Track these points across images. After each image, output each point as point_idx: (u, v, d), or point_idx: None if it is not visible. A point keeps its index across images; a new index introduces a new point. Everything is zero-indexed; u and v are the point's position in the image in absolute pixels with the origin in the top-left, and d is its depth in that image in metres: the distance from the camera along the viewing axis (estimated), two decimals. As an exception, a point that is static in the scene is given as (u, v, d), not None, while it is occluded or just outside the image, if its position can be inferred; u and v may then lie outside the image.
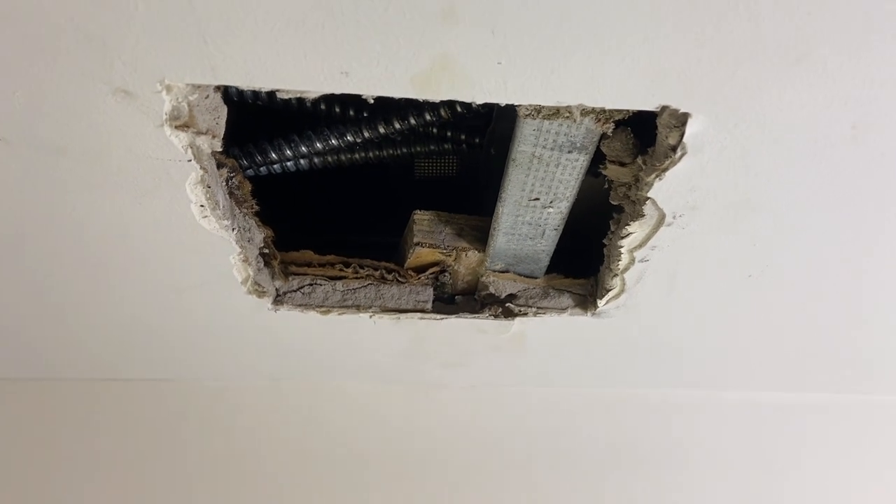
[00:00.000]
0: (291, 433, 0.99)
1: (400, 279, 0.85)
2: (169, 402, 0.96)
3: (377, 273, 0.84)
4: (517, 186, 0.69)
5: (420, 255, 0.82)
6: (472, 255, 0.82)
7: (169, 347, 0.90)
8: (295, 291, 0.85)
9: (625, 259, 0.72)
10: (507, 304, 0.85)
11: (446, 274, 0.85)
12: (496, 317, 0.84)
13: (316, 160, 0.79)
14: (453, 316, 0.85)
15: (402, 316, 0.85)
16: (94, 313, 0.83)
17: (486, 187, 0.83)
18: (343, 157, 0.81)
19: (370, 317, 0.85)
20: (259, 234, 0.75)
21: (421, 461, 0.97)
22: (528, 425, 0.97)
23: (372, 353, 0.93)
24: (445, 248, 0.81)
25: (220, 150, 0.57)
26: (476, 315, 0.85)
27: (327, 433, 0.98)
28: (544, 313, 0.84)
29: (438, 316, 0.85)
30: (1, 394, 0.98)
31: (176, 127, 0.54)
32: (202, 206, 0.64)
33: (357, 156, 0.81)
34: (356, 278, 0.85)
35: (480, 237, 0.81)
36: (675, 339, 0.85)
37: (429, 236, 0.81)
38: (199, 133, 0.55)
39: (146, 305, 0.80)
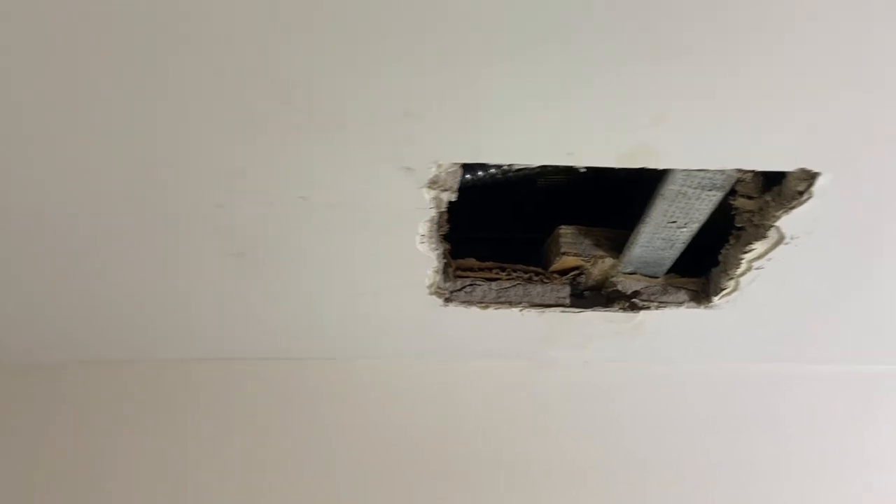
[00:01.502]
0: (438, 401, 1.20)
1: (544, 280, 1.04)
2: (363, 376, 1.18)
3: (526, 275, 1.04)
4: (660, 213, 0.87)
5: (565, 261, 1.00)
6: (607, 261, 1.00)
7: (360, 333, 1.11)
8: (459, 291, 1.04)
9: (743, 267, 0.90)
10: (632, 300, 1.04)
11: (582, 275, 1.04)
12: (624, 310, 1.03)
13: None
14: (588, 309, 1.04)
15: (546, 310, 1.04)
16: (330, 303, 1.02)
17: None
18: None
19: (520, 311, 1.04)
20: (441, 248, 0.95)
21: (551, 428, 1.18)
22: (639, 396, 1.17)
23: (513, 339, 1.13)
24: (586, 256, 0.99)
25: (455, 199, 0.76)
26: (607, 308, 1.04)
27: (471, 404, 1.19)
28: (664, 307, 1.03)
29: (576, 310, 1.04)
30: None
31: (430, 187, 0.72)
32: (423, 236, 0.83)
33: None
34: (508, 279, 1.04)
35: (613, 245, 1.00)
36: (777, 322, 1.03)
37: (572, 247, 0.99)
38: (444, 190, 0.73)
39: (351, 304, 1.00)
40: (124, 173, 0.70)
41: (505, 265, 1.04)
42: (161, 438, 1.16)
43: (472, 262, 1.03)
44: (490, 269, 1.04)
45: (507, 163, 0.69)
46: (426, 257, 0.88)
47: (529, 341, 1.14)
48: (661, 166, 0.69)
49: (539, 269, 1.04)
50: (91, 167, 0.69)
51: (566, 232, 1.00)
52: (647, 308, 1.03)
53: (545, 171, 0.95)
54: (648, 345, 1.13)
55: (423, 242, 0.84)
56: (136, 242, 0.83)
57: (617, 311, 1.04)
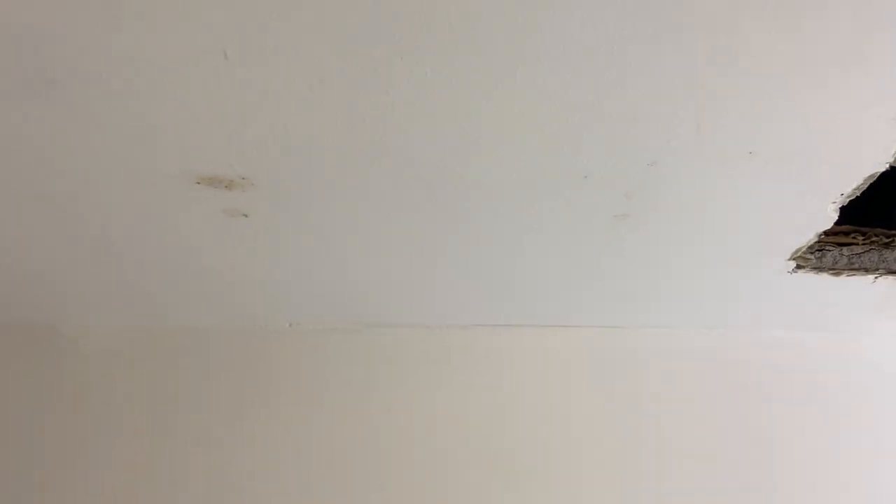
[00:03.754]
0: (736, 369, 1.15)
1: (906, 245, 0.96)
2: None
3: (887, 239, 0.96)
4: None
5: (941, 225, 0.92)
6: None
7: (673, 301, 1.08)
8: (811, 256, 0.98)
9: None
10: None
11: (951, 239, 0.96)
12: None
13: None
14: (958, 277, 0.96)
15: (906, 277, 0.97)
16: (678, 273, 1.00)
17: None
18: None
19: (874, 278, 0.97)
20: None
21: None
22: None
23: (842, 308, 1.06)
24: (968, 219, 0.91)
25: None
26: (981, 276, 0.95)
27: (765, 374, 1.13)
28: None
29: (942, 277, 0.96)
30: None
31: None
32: (843, 195, 0.77)
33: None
34: (864, 244, 0.97)
35: None
36: None
37: (954, 209, 0.91)
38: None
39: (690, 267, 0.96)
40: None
41: (863, 229, 0.97)
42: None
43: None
44: (846, 234, 0.97)
45: None
46: (826, 219, 0.82)
47: (857, 312, 1.07)
48: None
49: (902, 233, 0.97)
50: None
51: (945, 193, 0.92)
52: None
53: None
54: None
55: (834, 202, 0.79)
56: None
57: None
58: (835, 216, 0.82)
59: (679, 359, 1.16)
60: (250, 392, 1.16)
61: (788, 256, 0.92)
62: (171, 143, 0.71)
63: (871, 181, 0.74)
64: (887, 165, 0.71)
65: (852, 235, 0.96)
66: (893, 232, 0.96)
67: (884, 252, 0.97)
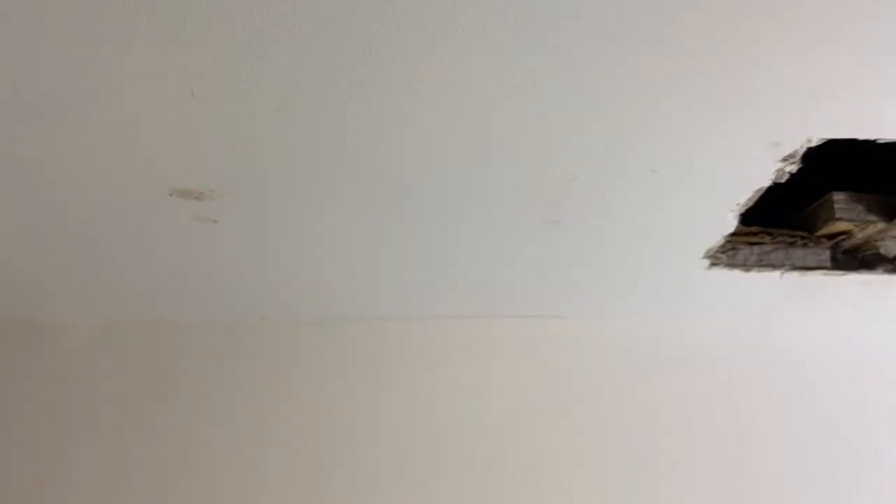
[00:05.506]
0: (676, 356, 1.27)
1: (807, 244, 1.09)
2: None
3: (791, 240, 1.08)
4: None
5: (836, 226, 1.04)
6: (878, 226, 1.04)
7: (609, 293, 1.19)
8: (723, 254, 1.10)
9: None
10: (896, 262, 1.08)
11: (845, 239, 1.08)
12: (890, 272, 1.07)
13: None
14: (852, 272, 1.08)
15: (808, 273, 1.09)
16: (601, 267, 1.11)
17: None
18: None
19: (781, 274, 1.09)
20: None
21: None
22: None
23: (757, 299, 1.18)
24: (858, 221, 1.03)
25: (795, 171, 0.81)
26: (872, 271, 1.08)
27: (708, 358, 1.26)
28: (928, 268, 1.06)
29: (839, 272, 1.08)
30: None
31: (783, 161, 0.78)
32: (738, 205, 0.89)
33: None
34: (772, 243, 1.09)
35: (885, 211, 1.03)
36: None
37: (846, 212, 1.03)
38: (791, 163, 0.79)
39: (619, 265, 1.08)
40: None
41: (770, 230, 1.09)
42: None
43: (737, 227, 1.09)
44: (755, 234, 1.09)
45: (878, 138, 0.74)
46: (727, 224, 0.94)
47: (770, 301, 1.20)
48: None
49: (804, 234, 1.09)
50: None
51: (839, 198, 1.03)
52: (911, 270, 1.07)
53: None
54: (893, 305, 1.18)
55: (732, 210, 0.90)
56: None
57: (880, 273, 1.08)
58: (735, 222, 0.94)
59: (615, 345, 1.28)
60: (225, 381, 1.26)
61: (702, 255, 1.04)
62: (147, 163, 0.80)
63: (761, 193, 0.86)
64: (771, 181, 0.82)
65: (761, 236, 1.08)
66: (797, 233, 1.08)
67: (789, 250, 1.09)
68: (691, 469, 1.19)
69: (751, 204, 0.89)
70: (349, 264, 1.08)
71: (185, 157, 0.79)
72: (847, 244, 1.09)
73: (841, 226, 1.04)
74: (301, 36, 0.61)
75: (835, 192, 1.03)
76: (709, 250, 1.03)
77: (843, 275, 1.08)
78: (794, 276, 1.09)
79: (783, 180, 0.82)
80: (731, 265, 1.09)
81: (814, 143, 0.74)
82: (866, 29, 0.60)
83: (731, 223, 0.94)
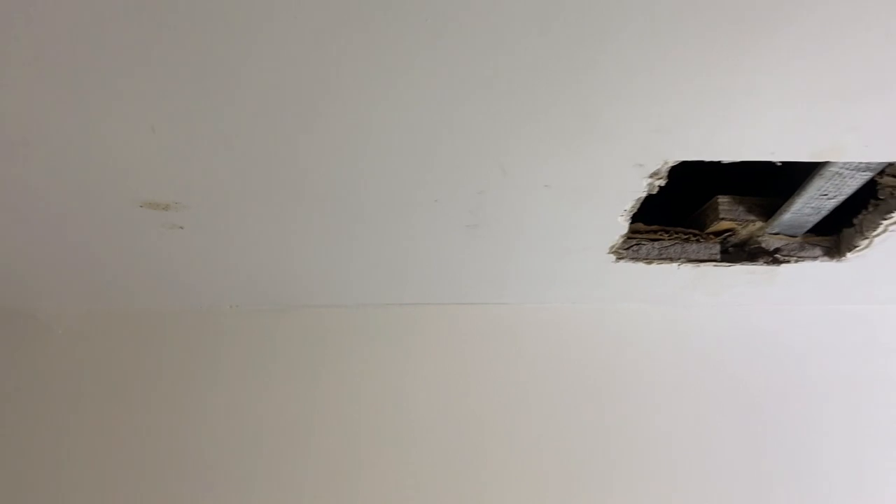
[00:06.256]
0: (597, 338, 1.44)
1: (700, 239, 1.25)
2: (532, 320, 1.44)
3: (685, 236, 1.25)
4: (815, 188, 1.06)
5: (721, 224, 1.21)
6: (757, 224, 1.21)
7: (538, 282, 1.35)
8: (627, 249, 1.27)
9: (880, 229, 1.10)
10: (774, 255, 1.25)
11: (732, 236, 1.25)
12: (767, 264, 1.24)
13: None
14: (738, 263, 1.25)
15: (700, 264, 1.26)
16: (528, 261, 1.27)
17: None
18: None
19: (678, 265, 1.26)
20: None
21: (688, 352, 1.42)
22: (770, 331, 1.40)
23: (664, 286, 1.35)
24: (740, 220, 1.20)
25: (663, 185, 0.97)
26: (754, 263, 1.25)
27: (625, 339, 1.43)
28: (802, 261, 1.24)
29: (726, 264, 1.25)
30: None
31: (649, 177, 0.94)
32: (626, 211, 1.05)
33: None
34: (669, 240, 1.26)
35: (763, 211, 1.20)
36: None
37: (730, 213, 1.20)
38: (658, 179, 0.95)
39: (539, 259, 1.24)
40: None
41: (668, 228, 1.25)
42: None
43: (639, 226, 1.25)
44: (655, 232, 1.26)
45: (721, 160, 0.90)
46: (620, 226, 1.10)
47: (675, 289, 1.37)
48: (842, 160, 0.89)
49: (696, 231, 1.25)
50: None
51: (723, 200, 1.20)
52: (787, 262, 1.24)
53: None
54: (780, 291, 1.35)
55: (621, 216, 1.06)
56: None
57: (761, 264, 1.25)
58: (626, 225, 1.10)
59: (547, 330, 1.45)
60: (199, 366, 1.42)
61: (607, 252, 1.20)
62: (119, 182, 0.95)
63: (641, 202, 1.02)
64: (646, 192, 0.98)
65: (660, 234, 1.25)
66: (690, 230, 1.25)
67: (685, 245, 1.26)
68: (620, 445, 1.37)
69: (636, 210, 1.05)
70: (313, 258, 1.23)
71: (151, 177, 0.94)
72: (734, 240, 1.26)
73: (725, 224, 1.21)
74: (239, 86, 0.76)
75: (720, 196, 1.20)
76: (612, 247, 1.19)
77: (730, 266, 1.25)
78: (689, 268, 1.26)
79: (655, 192, 0.98)
80: (636, 258, 1.26)
81: (671, 164, 0.90)
82: (699, 83, 0.76)
83: (623, 226, 1.10)
